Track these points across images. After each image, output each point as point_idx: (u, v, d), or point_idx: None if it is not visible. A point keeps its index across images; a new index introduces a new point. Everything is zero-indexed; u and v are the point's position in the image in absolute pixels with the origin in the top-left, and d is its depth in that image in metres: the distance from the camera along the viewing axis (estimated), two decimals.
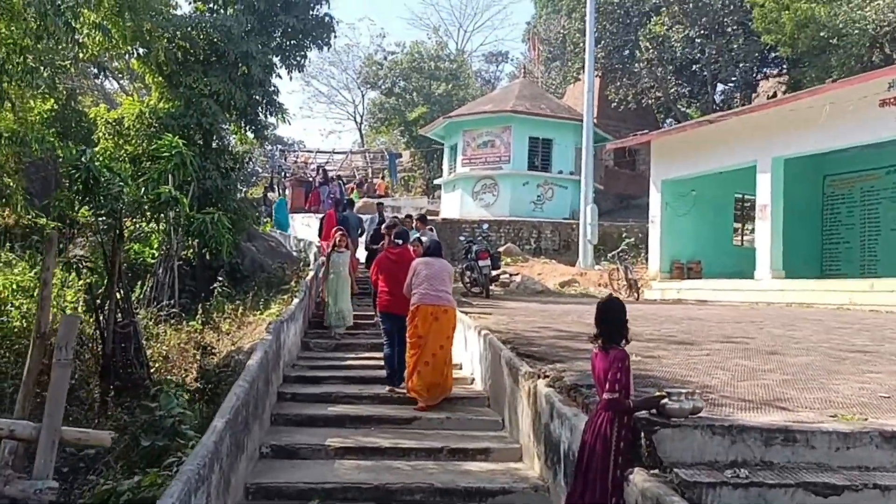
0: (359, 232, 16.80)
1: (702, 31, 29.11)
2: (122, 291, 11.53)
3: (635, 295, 18.23)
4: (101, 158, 14.17)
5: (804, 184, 18.96)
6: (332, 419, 7.40)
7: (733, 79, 31.58)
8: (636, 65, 30.74)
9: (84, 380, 11.52)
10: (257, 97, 19.70)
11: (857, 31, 23.10)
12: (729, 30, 28.69)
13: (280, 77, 20.85)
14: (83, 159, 11.69)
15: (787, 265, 16.60)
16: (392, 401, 8.20)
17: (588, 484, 4.36)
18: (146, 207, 15.07)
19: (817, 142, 15.49)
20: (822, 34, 24.42)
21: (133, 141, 17.75)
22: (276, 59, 20.15)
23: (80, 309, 13.17)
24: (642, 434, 4.31)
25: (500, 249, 21.00)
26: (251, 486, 5.55)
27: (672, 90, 31.47)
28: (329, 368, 9.74)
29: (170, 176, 15.05)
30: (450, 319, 8.36)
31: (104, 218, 12.08)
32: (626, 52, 31.86)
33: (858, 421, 4.56)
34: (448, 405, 8.07)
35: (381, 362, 9.25)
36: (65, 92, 22.54)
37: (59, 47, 16.70)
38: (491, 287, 16.11)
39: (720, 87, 33.18)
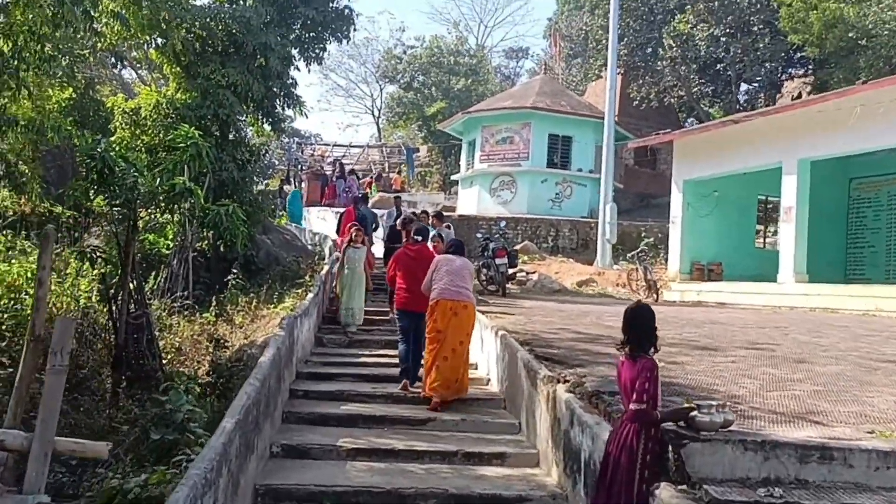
0: (373, 227, 16.62)
1: (727, 30, 28.66)
2: (135, 282, 11.40)
3: (654, 296, 17.94)
4: (117, 148, 14.08)
5: (830, 186, 18.58)
6: (345, 418, 7.22)
7: (758, 79, 31.10)
8: (659, 63, 30.35)
9: (96, 370, 11.43)
10: (275, 89, 19.54)
11: (886, 32, 22.66)
12: (755, 29, 28.22)
13: (298, 69, 20.70)
14: (98, 149, 11.58)
15: (810, 269, 16.27)
16: (406, 400, 8.02)
17: (612, 497, 4.16)
18: (161, 198, 14.97)
19: (845, 144, 15.13)
20: (850, 35, 24.00)
21: (150, 131, 17.66)
22: (294, 52, 19.97)
23: (93, 298, 13.12)
24: (670, 447, 4.10)
25: (517, 247, 20.77)
26: (261, 487, 5.38)
27: (695, 89, 31.04)
28: (342, 365, 9.57)
29: (185, 167, 14.93)
30: (469, 316, 8.19)
31: (118, 208, 11.95)
32: (649, 49, 31.48)
33: None
34: (463, 406, 7.87)
35: (396, 360, 9.08)
36: (83, 81, 22.54)
37: (77, 36, 16.64)
38: (507, 285, 15.90)
39: (744, 86, 32.72)
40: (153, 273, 15.89)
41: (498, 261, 15.51)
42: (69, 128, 16.71)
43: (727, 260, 19.21)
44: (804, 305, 15.13)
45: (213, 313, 14.08)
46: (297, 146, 46.33)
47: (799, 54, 29.20)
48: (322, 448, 6.28)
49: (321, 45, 20.53)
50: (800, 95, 29.51)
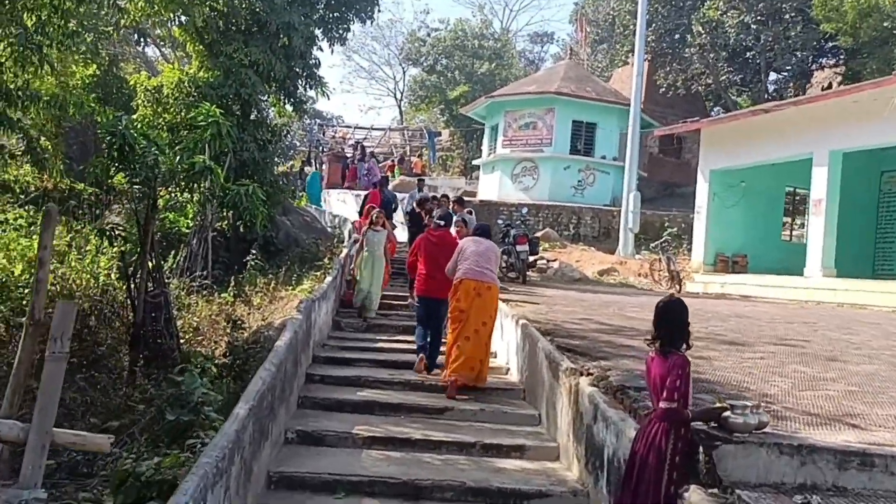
0: (392, 208, 16.47)
1: (758, 17, 28.06)
2: (154, 261, 11.35)
3: (677, 287, 17.66)
4: (138, 126, 14.00)
5: (860, 179, 18.12)
6: (361, 405, 7.09)
7: (787, 68, 30.43)
8: (687, 50, 29.81)
9: (114, 348, 11.42)
10: (297, 69, 19.38)
11: None
12: (787, 17, 27.60)
13: (321, 50, 20.51)
14: (119, 126, 11.50)
15: (838, 263, 15.91)
16: (424, 388, 7.88)
17: (638, 497, 3.98)
18: (181, 177, 14.92)
19: (880, 135, 14.70)
20: (885, 24, 23.44)
21: (171, 109, 17.60)
22: (318, 31, 19.80)
23: (113, 276, 13.10)
24: (701, 448, 3.91)
25: (538, 234, 20.52)
26: (274, 474, 5.26)
27: (723, 77, 30.46)
28: (360, 350, 9.45)
29: (206, 146, 14.84)
30: (493, 297, 8.07)
31: (139, 186, 11.89)
32: (677, 35, 30.93)
33: None
34: (482, 396, 7.72)
35: (414, 347, 8.98)
36: (107, 58, 22.52)
37: (101, 12, 16.56)
38: (528, 273, 15.70)
39: (773, 76, 32.06)
40: (173, 252, 15.88)
41: (519, 248, 15.30)
42: (92, 105, 16.68)
43: (752, 252, 18.88)
44: (831, 300, 14.81)
45: (232, 293, 14.04)
46: (319, 128, 46.20)
47: (830, 44, 28.56)
48: (337, 435, 6.15)
49: (345, 26, 20.33)
50: (830, 86, 28.89)
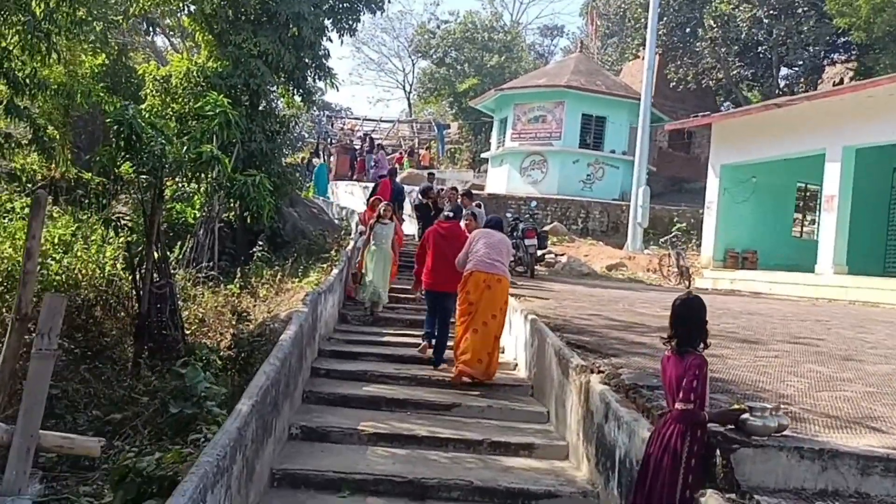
0: (402, 199, 16.35)
1: (770, 12, 27.78)
2: (160, 251, 11.26)
3: (686, 283, 17.53)
4: (146, 115, 13.92)
5: (872, 175, 17.86)
6: (367, 400, 6.97)
7: (799, 63, 30.15)
8: (698, 44, 29.54)
9: (118, 339, 11.35)
10: (307, 60, 19.23)
11: None
12: (800, 11, 27.30)
13: (331, 41, 20.32)
14: (126, 115, 11.41)
15: (849, 260, 15.72)
16: (431, 383, 7.76)
17: (652, 500, 3.86)
18: (188, 167, 14.82)
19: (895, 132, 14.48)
20: None
21: (180, 99, 17.50)
22: (327, 22, 19.61)
23: (118, 266, 13.03)
24: (718, 452, 3.78)
25: (546, 228, 20.36)
26: (277, 472, 5.15)
27: (734, 72, 30.18)
28: (366, 344, 9.33)
29: (214, 136, 14.74)
30: (503, 290, 7.95)
31: (145, 176, 11.79)
32: (688, 29, 30.66)
33: None
34: (490, 391, 7.61)
35: (421, 341, 8.90)
36: (116, 47, 22.41)
37: (111, 1, 16.47)
38: (536, 267, 15.57)
39: (784, 71, 31.75)
40: (179, 243, 15.79)
41: (527, 241, 15.19)
42: (101, 94, 16.59)
43: (762, 248, 18.69)
44: (843, 298, 14.63)
45: (238, 285, 13.95)
46: (327, 119, 46.06)
47: (842, 39, 28.23)
48: (342, 431, 6.03)
49: (355, 16, 20.13)
50: (841, 81, 28.58)
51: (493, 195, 23.74)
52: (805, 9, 27.22)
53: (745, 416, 3.80)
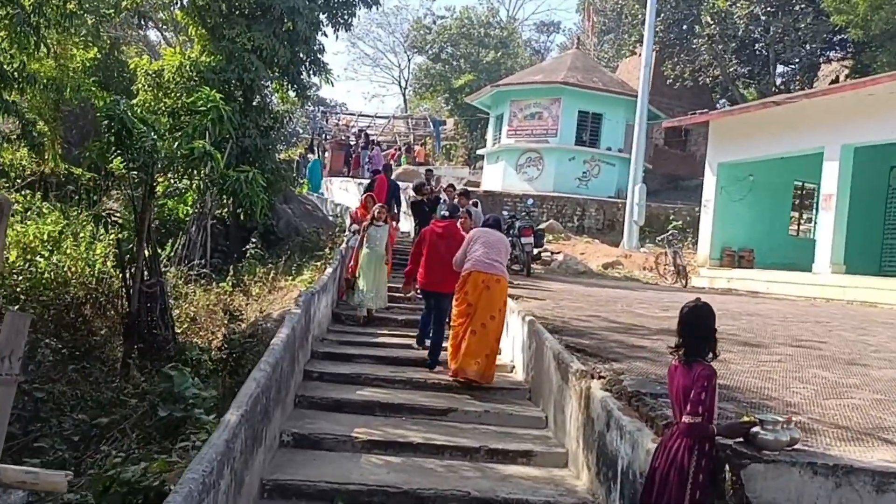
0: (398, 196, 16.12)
1: (767, 8, 27.65)
2: (150, 249, 11.07)
3: (683, 282, 17.39)
4: (138, 111, 13.68)
5: (869, 174, 17.69)
6: (361, 405, 6.78)
7: (796, 60, 30.03)
8: (695, 41, 29.40)
9: (108, 339, 11.16)
10: (301, 55, 19.03)
11: None
12: (797, 8, 27.17)
13: (326, 35, 20.21)
14: (117, 109, 11.20)
15: (846, 260, 15.60)
16: (427, 387, 7.59)
17: None
18: (180, 163, 14.60)
19: (895, 130, 14.34)
20: None
21: (172, 94, 17.26)
22: (323, 16, 19.41)
23: (108, 264, 12.84)
24: (727, 467, 3.63)
25: (542, 226, 20.20)
26: (268, 482, 4.95)
27: (731, 69, 30.03)
28: (360, 346, 9.14)
29: (206, 131, 14.53)
30: (502, 290, 7.79)
31: (136, 172, 11.59)
32: (685, 26, 30.51)
33: None
34: (487, 395, 7.44)
35: (415, 344, 8.76)
36: (108, 41, 22.16)
37: None
38: (532, 265, 15.42)
39: (780, 68, 31.64)
40: (171, 239, 15.61)
41: (524, 240, 15.04)
42: (91, 88, 16.37)
43: (759, 247, 18.57)
44: (840, 298, 14.51)
45: (230, 283, 13.79)
46: (322, 115, 45.82)
47: (839, 37, 28.12)
48: (336, 438, 5.84)
49: (350, 11, 19.93)
50: (837, 79, 28.49)
51: (488, 192, 23.55)
52: (802, 6, 27.10)
53: (756, 429, 3.64)
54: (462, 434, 6.26)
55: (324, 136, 39.04)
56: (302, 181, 28.45)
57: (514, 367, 8.56)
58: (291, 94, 20.24)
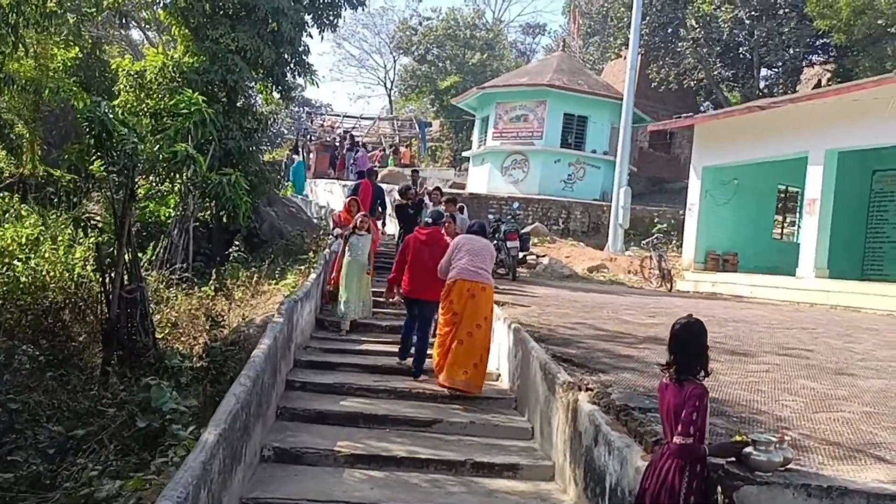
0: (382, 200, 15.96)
1: (752, 13, 27.79)
2: (131, 253, 10.86)
3: (668, 285, 17.36)
4: (119, 112, 13.47)
5: (851, 178, 17.80)
6: (344, 416, 6.65)
7: (779, 64, 30.20)
8: (680, 44, 29.47)
9: (86, 345, 10.95)
10: (286, 56, 18.86)
11: None
12: (781, 12, 27.32)
13: (311, 36, 20.05)
14: (98, 111, 11.01)
15: (829, 264, 15.64)
16: (411, 396, 7.47)
17: None
18: (162, 165, 14.39)
19: (880, 136, 14.36)
20: (879, 22, 23.20)
21: (155, 95, 17.05)
22: (308, 17, 19.24)
23: (88, 268, 12.61)
24: (719, 488, 3.55)
25: (528, 228, 20.11)
26: (247, 501, 4.80)
27: (715, 72, 30.14)
28: (343, 353, 9.00)
29: (189, 134, 14.35)
30: (488, 298, 7.71)
31: (116, 175, 11.39)
32: (670, 30, 30.58)
33: None
34: (473, 404, 7.34)
35: (399, 359, 8.66)
36: (90, 41, 21.88)
37: None
38: (517, 269, 15.34)
39: (764, 71, 31.79)
40: (152, 243, 15.38)
41: (509, 244, 14.94)
42: (72, 88, 16.11)
43: (743, 250, 18.61)
44: (824, 302, 14.54)
45: (213, 287, 13.58)
46: (307, 116, 45.57)
47: (822, 41, 28.29)
48: (318, 452, 5.70)
49: (335, 12, 19.79)
50: (819, 83, 28.66)
51: (474, 195, 23.46)
52: (786, 10, 27.26)
53: (749, 449, 3.56)
54: (447, 446, 6.15)
55: (308, 137, 38.80)
56: (287, 183, 28.27)
57: (500, 374, 8.46)
58: (276, 95, 20.07)
